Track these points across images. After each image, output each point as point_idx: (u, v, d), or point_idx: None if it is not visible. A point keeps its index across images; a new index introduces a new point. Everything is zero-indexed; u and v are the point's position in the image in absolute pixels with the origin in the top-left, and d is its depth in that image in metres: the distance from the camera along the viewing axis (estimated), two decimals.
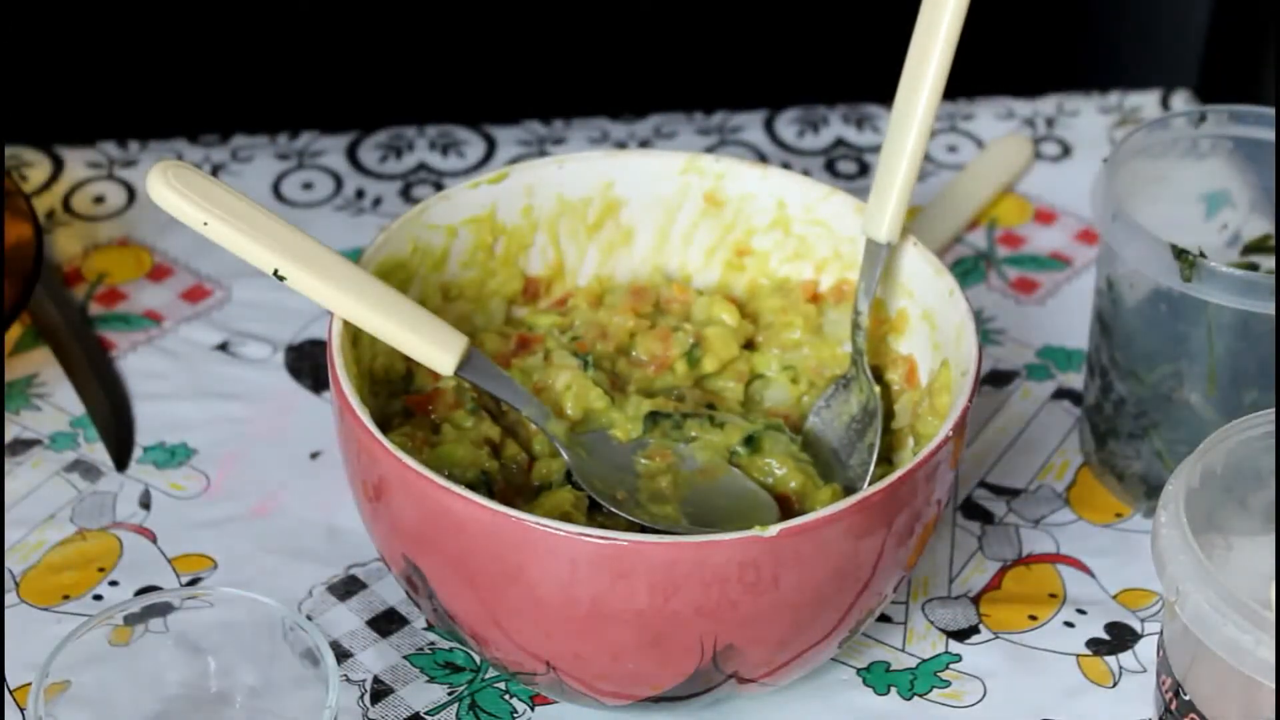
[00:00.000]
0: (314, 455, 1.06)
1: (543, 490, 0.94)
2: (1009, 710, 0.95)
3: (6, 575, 0.99)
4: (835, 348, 1.01)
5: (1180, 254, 0.96)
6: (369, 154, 1.26)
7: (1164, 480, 0.99)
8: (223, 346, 1.13)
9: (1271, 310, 0.95)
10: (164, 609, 0.89)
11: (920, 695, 0.96)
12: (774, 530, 0.84)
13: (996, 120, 1.29)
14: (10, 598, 0.98)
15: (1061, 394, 1.11)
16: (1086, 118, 1.29)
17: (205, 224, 0.88)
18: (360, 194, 1.23)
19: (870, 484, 0.92)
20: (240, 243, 0.88)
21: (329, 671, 0.86)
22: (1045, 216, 1.23)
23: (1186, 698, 0.88)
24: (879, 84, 1.12)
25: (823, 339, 1.02)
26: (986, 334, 1.14)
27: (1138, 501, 1.05)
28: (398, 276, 0.98)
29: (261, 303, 1.15)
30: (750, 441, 0.96)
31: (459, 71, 1.42)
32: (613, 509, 0.92)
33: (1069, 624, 0.99)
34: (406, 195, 1.23)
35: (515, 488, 0.95)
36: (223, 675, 0.89)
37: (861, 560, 0.88)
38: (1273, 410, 0.91)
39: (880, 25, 1.18)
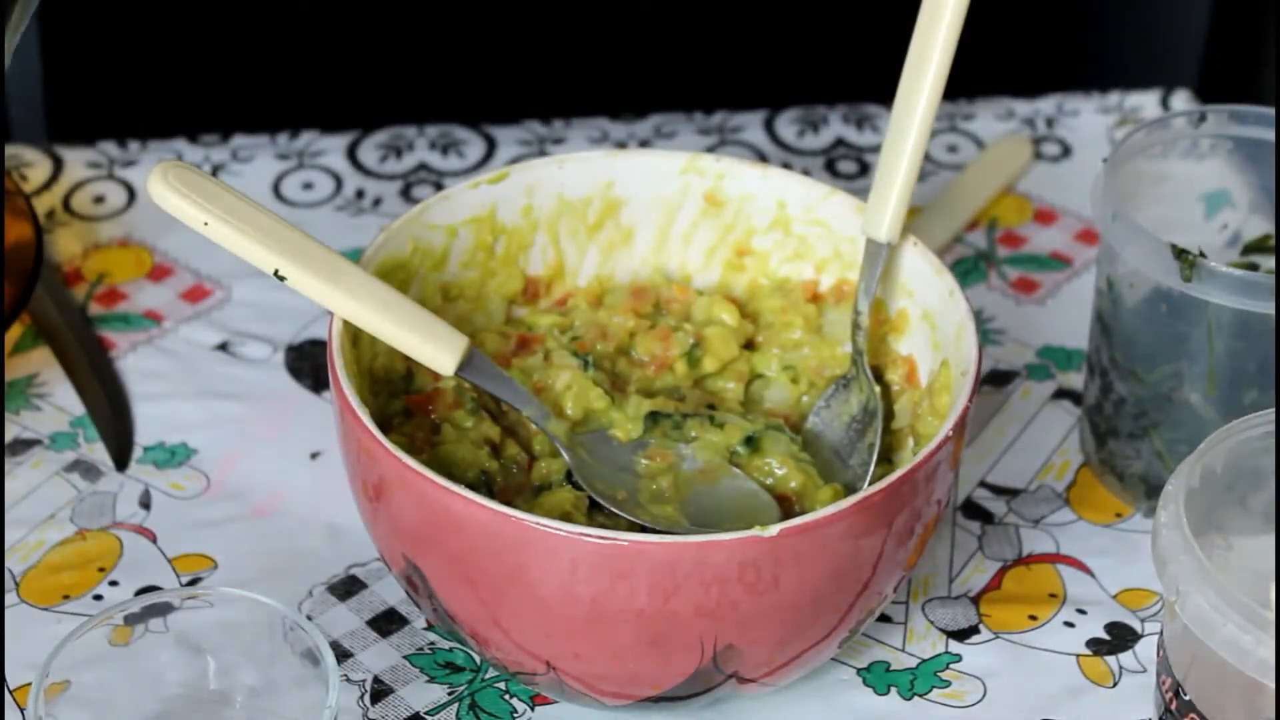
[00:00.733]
0: (314, 455, 1.06)
1: (543, 490, 0.94)
2: (1009, 710, 0.95)
3: (6, 575, 0.99)
4: (835, 348, 1.01)
5: (1180, 254, 0.96)
6: (369, 154, 1.26)
7: (1164, 480, 0.99)
8: (223, 346, 1.13)
9: (1271, 310, 0.95)
10: (164, 609, 0.89)
11: (920, 695, 0.96)
12: (774, 530, 0.84)
13: (996, 120, 1.29)
14: (10, 598, 0.98)
15: (1061, 394, 1.11)
16: (1086, 118, 1.29)
17: (206, 224, 0.88)
18: (360, 194, 1.23)
19: (870, 484, 0.92)
20: (240, 243, 0.88)
21: (329, 671, 0.86)
22: (1045, 216, 1.23)
23: (1186, 698, 0.88)
24: (879, 84, 1.12)
25: (823, 339, 1.02)
26: (986, 334, 1.14)
27: (1138, 501, 1.05)
28: (398, 276, 0.98)
29: (261, 303, 1.15)
30: (750, 441, 0.96)
31: (459, 71, 1.42)
32: (613, 509, 0.92)
33: (1069, 624, 0.99)
34: (406, 195, 1.23)
35: (515, 488, 0.95)
36: (223, 675, 0.89)
37: (861, 560, 0.88)
38: (1273, 410, 0.91)
39: (880, 25, 1.18)
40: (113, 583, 1.00)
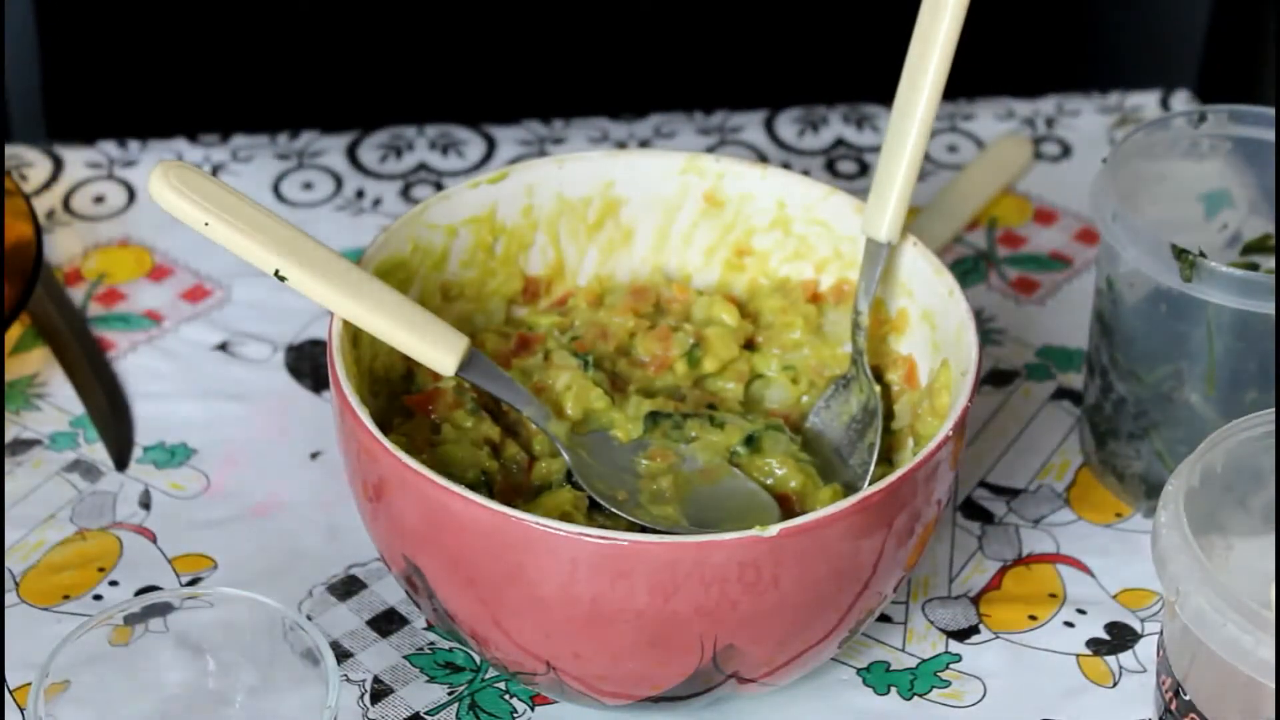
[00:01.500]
0: (314, 455, 1.06)
1: (543, 490, 0.94)
2: (1009, 710, 0.95)
3: (6, 575, 0.99)
4: (835, 348, 1.01)
5: (1180, 254, 0.96)
6: (369, 154, 1.26)
7: (1164, 480, 0.99)
8: (223, 346, 1.13)
9: (1271, 310, 0.95)
10: (164, 609, 0.89)
11: (920, 695, 0.96)
12: (774, 530, 0.84)
13: (996, 120, 1.29)
14: (10, 598, 0.98)
15: (1061, 394, 1.11)
16: (1086, 118, 1.29)
17: (206, 224, 0.88)
18: (360, 194, 1.23)
19: (870, 484, 0.92)
20: (241, 243, 0.88)
21: (329, 671, 0.86)
22: (1045, 216, 1.23)
23: (1186, 698, 0.88)
24: (879, 84, 1.12)
25: (823, 339, 1.02)
26: (986, 334, 1.14)
27: (1138, 501, 1.05)
28: (398, 276, 0.98)
29: (261, 303, 1.15)
30: (750, 441, 0.96)
31: (459, 71, 1.42)
32: (613, 509, 0.92)
33: (1069, 624, 0.99)
34: (406, 195, 1.23)
35: (515, 488, 0.95)
36: (223, 675, 0.89)
37: (861, 560, 0.88)
38: (1273, 410, 0.91)
39: (880, 25, 1.18)
40: (113, 583, 1.00)
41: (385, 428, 0.93)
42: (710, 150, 1.24)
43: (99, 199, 1.21)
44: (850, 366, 0.99)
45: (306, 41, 1.39)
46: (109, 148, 1.25)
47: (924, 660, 0.97)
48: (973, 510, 1.05)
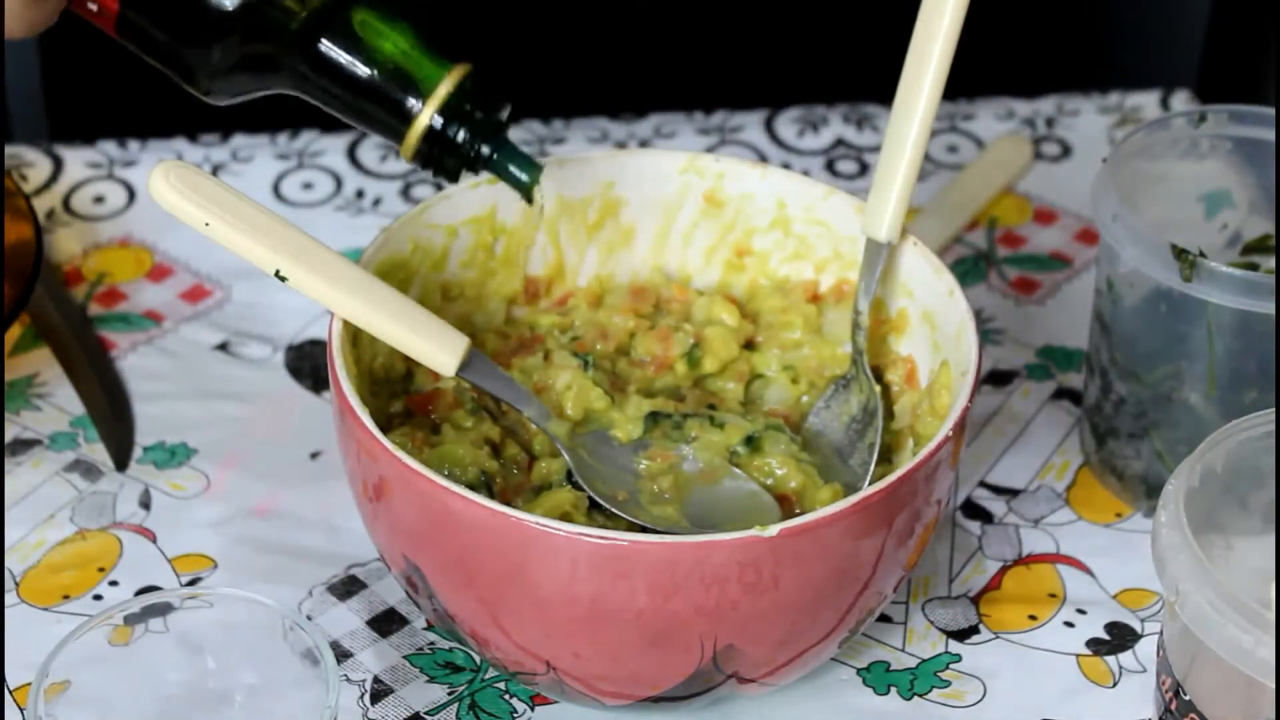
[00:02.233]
0: (314, 455, 1.06)
1: (543, 490, 0.94)
2: (1009, 710, 0.95)
3: (6, 575, 0.99)
4: (835, 348, 1.01)
5: (1180, 254, 0.96)
6: (369, 154, 1.26)
7: (1164, 480, 0.98)
8: (223, 346, 1.13)
9: (1271, 310, 0.95)
10: (164, 609, 0.89)
11: (920, 695, 0.96)
12: (774, 530, 0.84)
13: (996, 120, 1.29)
14: (10, 598, 0.98)
15: (1061, 394, 1.11)
16: (1086, 118, 1.29)
17: (207, 224, 0.88)
18: (360, 194, 1.23)
19: (870, 484, 0.92)
20: (241, 243, 0.88)
21: (329, 671, 0.86)
22: (1045, 216, 1.23)
23: (1186, 698, 0.88)
24: (879, 84, 1.12)
25: (823, 339, 1.02)
26: (986, 334, 1.14)
27: (1138, 501, 1.05)
28: (398, 276, 0.98)
29: (261, 303, 1.15)
30: (750, 441, 0.96)
31: None
32: (614, 510, 0.92)
33: (1069, 624, 0.99)
34: (406, 195, 1.23)
35: (515, 488, 0.95)
36: (223, 675, 0.89)
37: (861, 560, 0.88)
38: (1273, 410, 0.91)
39: (880, 25, 1.18)
40: (113, 583, 1.00)
41: (385, 428, 0.93)
42: (710, 150, 1.24)
43: (99, 199, 1.21)
44: (850, 366, 0.99)
45: None
46: (109, 148, 1.25)
47: (924, 660, 0.97)
48: (973, 510, 1.05)
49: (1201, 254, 0.96)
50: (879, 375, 1.00)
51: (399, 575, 0.92)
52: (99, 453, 1.06)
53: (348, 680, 0.95)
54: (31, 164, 1.23)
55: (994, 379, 1.12)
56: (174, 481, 1.05)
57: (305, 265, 0.89)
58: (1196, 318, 0.98)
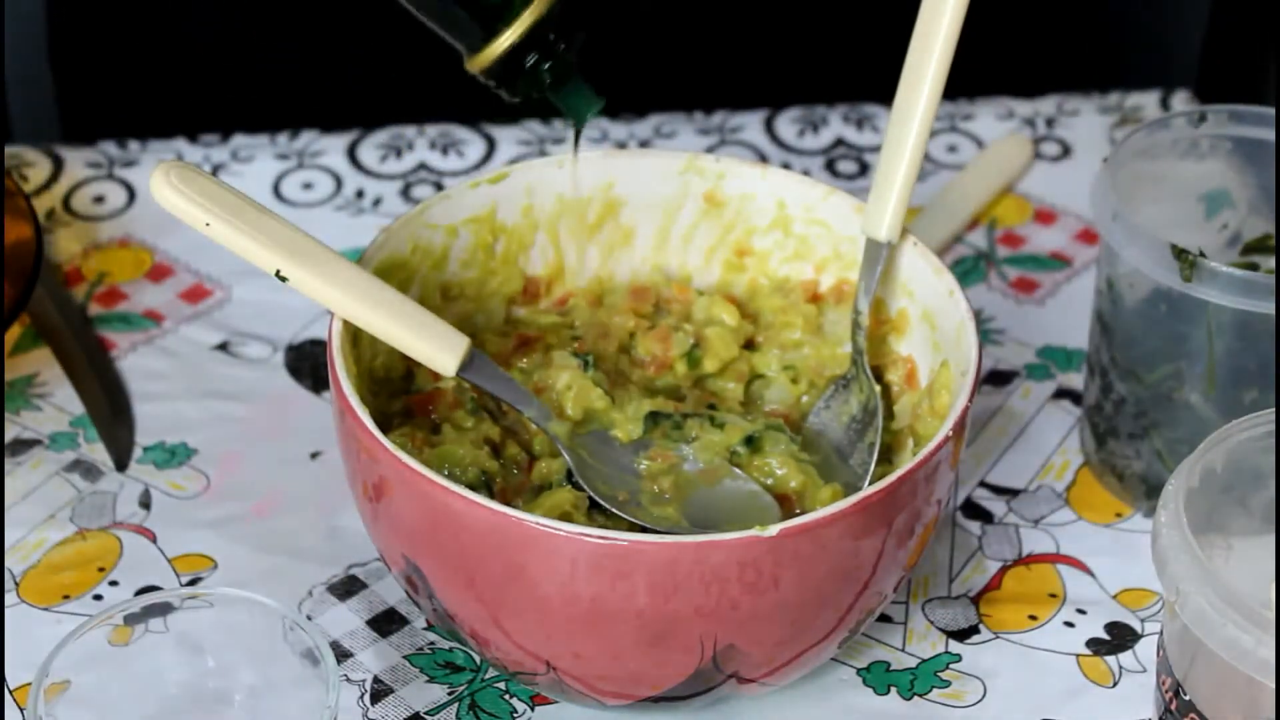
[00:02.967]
0: (314, 455, 1.06)
1: (543, 490, 0.94)
2: (1009, 710, 0.95)
3: (6, 575, 0.99)
4: (835, 348, 1.01)
5: (1180, 254, 0.96)
6: (369, 154, 1.26)
7: (1164, 480, 0.99)
8: (223, 346, 1.13)
9: (1271, 310, 0.95)
10: (164, 609, 0.89)
11: (920, 695, 0.96)
12: (774, 530, 0.84)
13: (996, 120, 1.29)
14: (10, 598, 0.98)
15: (1061, 394, 1.11)
16: (1086, 118, 1.29)
17: (207, 224, 0.88)
18: (360, 194, 1.23)
19: (870, 484, 0.92)
20: (242, 243, 0.88)
21: (329, 671, 0.86)
22: (1045, 216, 1.23)
23: (1186, 698, 0.88)
24: (879, 84, 1.12)
25: (823, 339, 1.02)
26: (986, 334, 1.14)
27: (1138, 501, 1.05)
28: (398, 276, 0.98)
29: (261, 303, 1.15)
30: (750, 441, 0.96)
31: (459, 71, 1.42)
32: (614, 510, 0.92)
33: (1069, 624, 0.99)
34: (406, 195, 1.23)
35: (515, 488, 0.95)
36: (223, 675, 0.89)
37: (861, 560, 0.88)
38: (1273, 410, 0.91)
39: (880, 25, 1.18)
40: (113, 583, 1.00)
41: (385, 428, 0.93)
42: (710, 150, 1.24)
43: (99, 199, 1.21)
44: (850, 366, 0.99)
45: (306, 41, 1.39)
46: (109, 148, 1.25)
47: (924, 660, 0.97)
48: (973, 510, 1.05)
49: (1201, 254, 0.96)
50: (879, 375, 1.00)
51: (399, 575, 0.92)
52: (99, 453, 1.06)
53: (348, 680, 0.95)
54: (31, 164, 1.23)
55: (994, 379, 1.12)
56: (174, 481, 1.05)
57: (305, 265, 0.89)
58: (1196, 318, 0.98)
